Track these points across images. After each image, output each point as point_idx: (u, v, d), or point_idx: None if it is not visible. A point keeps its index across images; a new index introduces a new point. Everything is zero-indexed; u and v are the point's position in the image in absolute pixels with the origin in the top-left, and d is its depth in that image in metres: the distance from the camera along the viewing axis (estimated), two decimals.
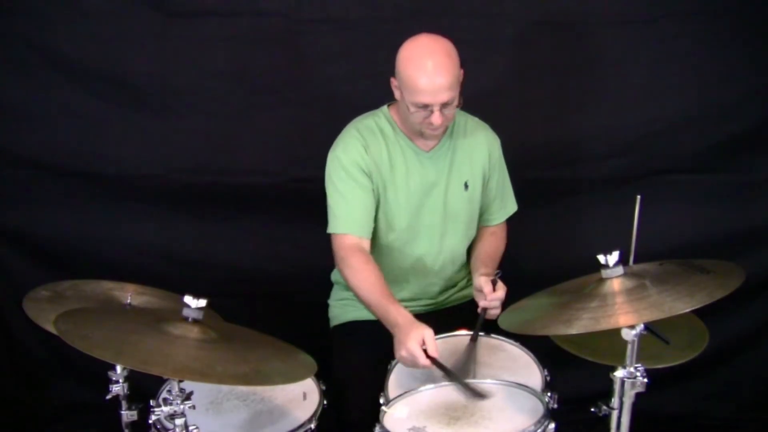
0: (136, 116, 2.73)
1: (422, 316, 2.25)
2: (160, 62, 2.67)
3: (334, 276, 2.46)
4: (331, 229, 2.20)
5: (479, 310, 2.13)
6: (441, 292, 2.39)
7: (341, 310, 2.41)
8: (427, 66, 2.03)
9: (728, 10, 2.60)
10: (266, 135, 2.77)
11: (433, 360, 1.89)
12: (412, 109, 2.09)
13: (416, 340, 1.90)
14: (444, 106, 2.07)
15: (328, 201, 2.21)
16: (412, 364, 1.92)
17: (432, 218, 2.28)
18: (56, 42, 2.65)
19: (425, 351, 1.89)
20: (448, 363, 1.98)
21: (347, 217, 2.18)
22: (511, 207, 2.46)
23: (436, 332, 1.97)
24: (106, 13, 2.62)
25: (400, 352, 1.93)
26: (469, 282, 2.41)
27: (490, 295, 2.11)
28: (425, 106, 2.06)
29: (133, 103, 2.71)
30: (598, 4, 2.62)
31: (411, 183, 2.24)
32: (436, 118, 2.07)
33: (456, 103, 2.10)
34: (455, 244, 2.34)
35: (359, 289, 2.13)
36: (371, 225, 2.21)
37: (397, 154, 2.23)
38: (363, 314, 2.32)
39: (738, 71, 2.68)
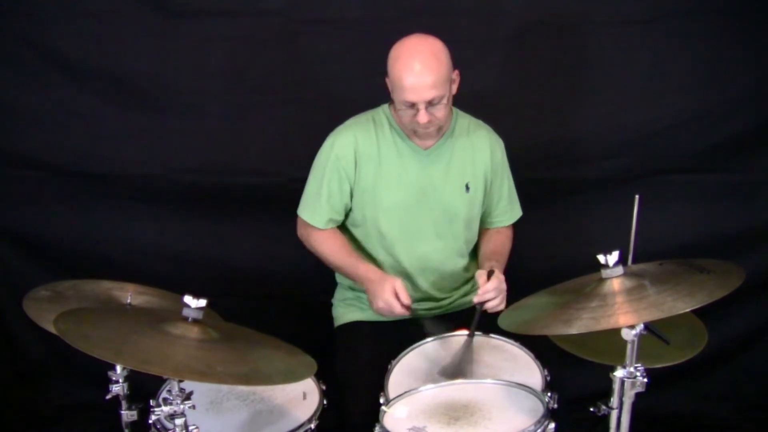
0: (136, 116, 2.73)
1: (428, 319, 2.28)
2: (160, 62, 2.67)
3: (339, 276, 2.46)
4: (299, 211, 2.34)
5: (475, 305, 2.12)
6: (444, 293, 2.38)
7: (345, 309, 2.42)
8: (413, 64, 2.07)
9: (728, 10, 2.60)
10: (266, 135, 2.77)
11: (408, 307, 2.12)
12: (400, 107, 2.13)
13: (390, 291, 2.11)
14: (430, 104, 2.08)
15: (308, 179, 2.32)
16: (389, 313, 2.13)
17: (429, 217, 2.28)
18: (56, 42, 2.65)
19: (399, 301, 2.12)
20: (445, 362, 2.02)
21: (315, 210, 2.29)
22: (517, 211, 2.46)
23: None
24: (106, 13, 2.62)
25: (377, 303, 2.14)
26: (474, 287, 2.39)
27: (482, 287, 2.11)
28: (412, 105, 2.09)
29: (133, 103, 2.71)
30: (598, 4, 2.62)
31: (406, 180, 2.25)
32: (422, 117, 2.09)
33: (445, 101, 2.12)
34: (454, 244, 2.34)
35: (328, 255, 2.30)
36: (337, 221, 2.32)
37: (390, 150, 2.24)
38: (367, 315, 2.34)
39: (738, 71, 2.68)
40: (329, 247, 2.30)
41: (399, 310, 2.12)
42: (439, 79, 2.08)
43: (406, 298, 2.13)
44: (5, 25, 2.63)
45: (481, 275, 2.15)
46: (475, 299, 2.11)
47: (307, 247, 2.37)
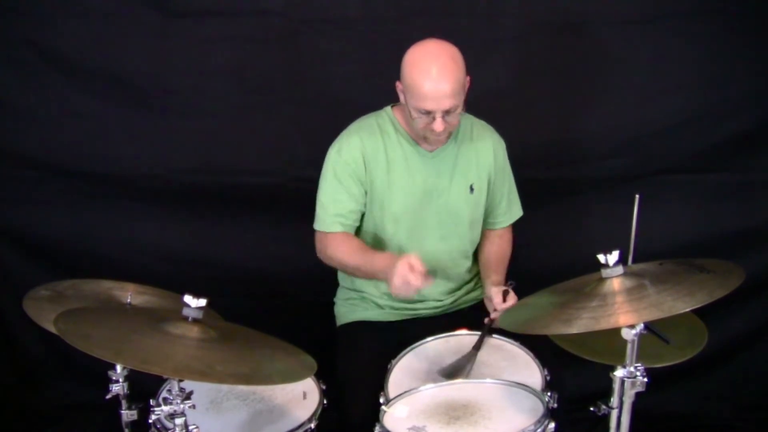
0: (136, 116, 2.73)
1: (430, 319, 2.31)
2: (160, 62, 2.67)
3: (340, 276, 2.46)
4: (316, 226, 2.27)
5: (486, 320, 2.13)
6: (448, 294, 2.38)
7: (347, 309, 2.42)
8: (431, 72, 2.03)
9: (728, 10, 2.59)
10: (266, 135, 2.77)
11: (424, 276, 1.96)
12: (415, 114, 2.10)
13: (404, 265, 1.96)
14: (446, 113, 2.06)
15: (318, 194, 2.27)
16: (407, 290, 1.97)
17: (435, 219, 2.28)
18: (56, 42, 2.65)
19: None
20: (445, 363, 2.02)
21: (332, 219, 2.23)
22: (517, 211, 2.46)
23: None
24: (106, 13, 2.62)
25: (394, 281, 1.98)
26: (477, 285, 2.42)
27: (500, 306, 2.12)
28: (428, 113, 2.06)
29: (133, 103, 2.71)
30: (598, 4, 2.62)
31: (413, 183, 2.24)
32: (438, 125, 2.07)
33: (459, 110, 2.10)
34: (458, 246, 2.34)
35: (346, 259, 2.21)
36: (353, 226, 2.26)
37: (397, 154, 2.23)
38: (368, 314, 2.34)
39: (738, 71, 2.68)
40: (345, 250, 2.22)
41: (415, 282, 1.96)
42: (457, 87, 2.05)
43: (420, 268, 1.98)
44: (5, 25, 2.63)
45: (497, 293, 2.15)
46: (492, 315, 2.13)
47: (326, 262, 2.29)
